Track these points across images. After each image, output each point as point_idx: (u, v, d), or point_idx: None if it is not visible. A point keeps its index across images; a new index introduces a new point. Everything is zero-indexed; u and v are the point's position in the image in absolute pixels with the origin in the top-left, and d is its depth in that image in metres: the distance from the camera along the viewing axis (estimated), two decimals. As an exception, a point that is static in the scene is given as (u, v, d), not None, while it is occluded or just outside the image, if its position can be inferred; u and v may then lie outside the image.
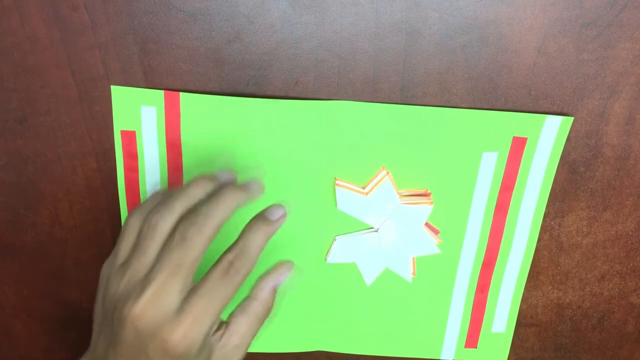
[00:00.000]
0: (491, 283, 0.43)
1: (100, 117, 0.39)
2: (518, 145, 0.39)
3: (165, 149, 0.39)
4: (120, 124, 0.38)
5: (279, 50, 0.37)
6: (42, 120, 0.39)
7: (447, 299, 0.43)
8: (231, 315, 0.32)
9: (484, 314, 0.44)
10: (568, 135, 0.39)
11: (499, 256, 0.42)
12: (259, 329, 0.33)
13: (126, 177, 0.40)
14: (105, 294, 0.31)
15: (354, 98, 0.38)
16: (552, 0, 0.35)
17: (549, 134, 0.38)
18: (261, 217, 0.33)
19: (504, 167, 0.39)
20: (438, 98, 0.38)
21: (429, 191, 0.40)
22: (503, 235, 0.42)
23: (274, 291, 0.34)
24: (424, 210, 0.40)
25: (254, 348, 0.46)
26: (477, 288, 0.43)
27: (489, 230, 0.41)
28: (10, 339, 0.47)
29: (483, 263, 0.42)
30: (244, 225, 0.32)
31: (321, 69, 0.37)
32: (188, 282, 0.29)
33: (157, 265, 0.29)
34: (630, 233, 0.42)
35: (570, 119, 0.38)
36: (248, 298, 0.33)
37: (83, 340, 0.47)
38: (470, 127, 0.38)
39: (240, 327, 0.32)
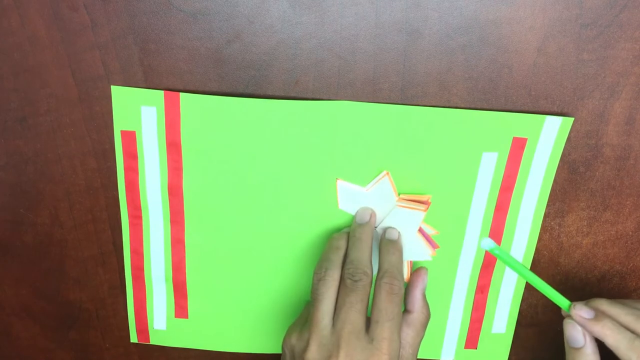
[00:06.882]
0: (491, 283, 0.43)
1: (100, 117, 0.39)
2: (518, 146, 0.39)
3: (165, 149, 0.39)
4: (120, 124, 0.38)
5: (279, 50, 0.37)
6: (42, 120, 0.39)
7: (447, 300, 0.43)
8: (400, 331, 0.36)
9: (484, 314, 0.44)
10: (568, 135, 0.39)
11: (499, 256, 0.42)
12: (424, 334, 0.39)
13: (126, 177, 0.40)
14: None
15: (354, 98, 0.38)
16: (552, 0, 0.35)
17: (549, 134, 0.38)
18: (387, 241, 0.38)
19: (504, 167, 0.39)
20: (438, 98, 0.38)
21: (430, 200, 0.39)
22: (503, 236, 0.42)
23: (424, 296, 0.40)
24: (416, 215, 0.39)
25: (257, 349, 0.46)
26: (477, 288, 0.43)
27: (489, 230, 0.41)
28: (10, 339, 0.47)
29: (483, 263, 0.42)
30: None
31: (321, 69, 0.37)
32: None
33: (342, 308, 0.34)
34: (630, 233, 0.42)
35: (571, 120, 0.38)
36: (407, 312, 0.39)
37: (83, 340, 0.47)
38: (470, 127, 0.38)
39: (412, 339, 0.38)
